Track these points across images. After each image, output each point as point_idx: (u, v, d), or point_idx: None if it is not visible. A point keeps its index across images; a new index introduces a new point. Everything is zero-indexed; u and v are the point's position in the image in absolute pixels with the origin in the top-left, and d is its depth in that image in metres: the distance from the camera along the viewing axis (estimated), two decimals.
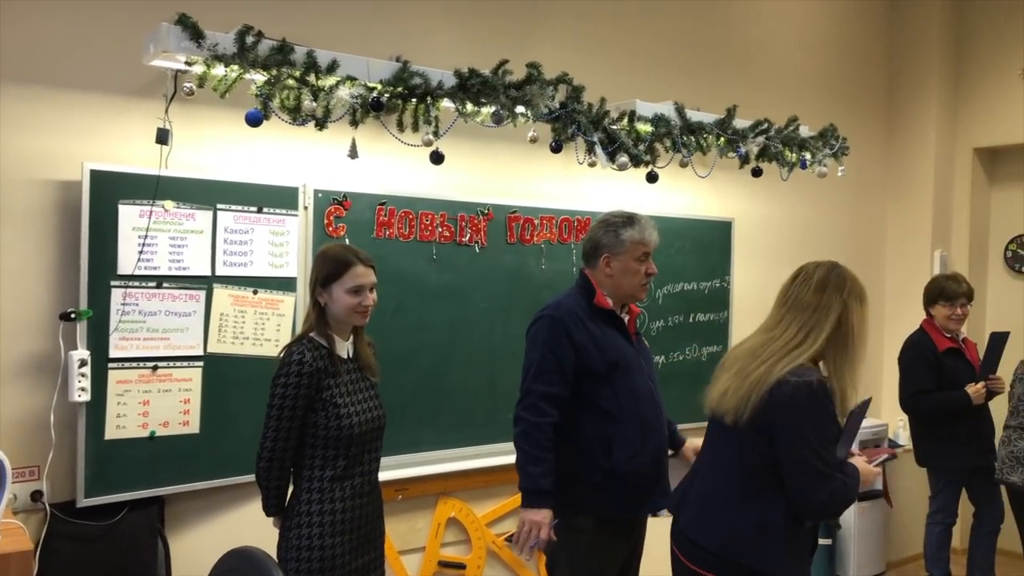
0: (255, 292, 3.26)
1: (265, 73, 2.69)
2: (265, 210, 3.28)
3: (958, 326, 4.42)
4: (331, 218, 3.44)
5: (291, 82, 2.72)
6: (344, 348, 2.63)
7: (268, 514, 2.62)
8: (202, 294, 3.15)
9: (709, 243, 4.63)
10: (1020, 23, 5.29)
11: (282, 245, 3.33)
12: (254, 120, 2.70)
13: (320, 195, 3.41)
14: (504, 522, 3.98)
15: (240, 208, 3.23)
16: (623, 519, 2.90)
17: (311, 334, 2.58)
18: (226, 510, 3.27)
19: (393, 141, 3.05)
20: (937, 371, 4.34)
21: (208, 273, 3.16)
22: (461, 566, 3.84)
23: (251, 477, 3.17)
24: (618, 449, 2.80)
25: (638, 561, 3.03)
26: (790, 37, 5.14)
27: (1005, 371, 4.40)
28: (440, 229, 3.70)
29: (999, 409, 4.50)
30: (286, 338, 3.29)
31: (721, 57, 4.79)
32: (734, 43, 4.87)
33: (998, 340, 4.42)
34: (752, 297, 4.88)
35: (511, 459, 3.87)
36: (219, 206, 3.18)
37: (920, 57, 5.53)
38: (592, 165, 3.36)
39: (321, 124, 2.79)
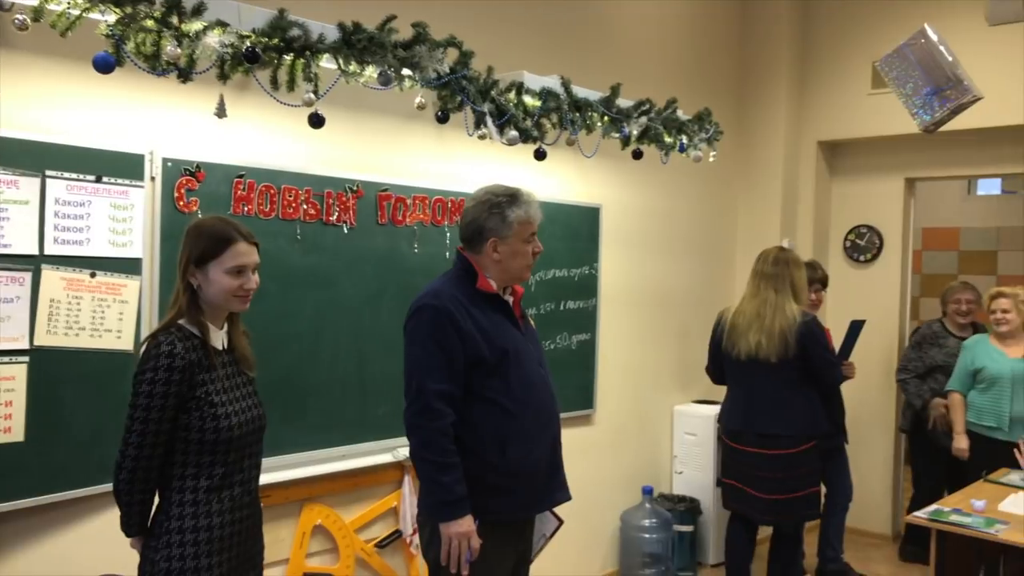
0: (93, 275, 2.81)
1: (118, 10, 2.26)
2: (105, 179, 2.83)
3: (814, 312, 4.53)
4: (182, 191, 3.01)
5: (150, 23, 2.29)
6: (219, 338, 2.26)
7: (129, 534, 2.20)
8: (28, 276, 2.66)
9: (578, 229, 4.49)
10: (862, 22, 5.52)
11: (125, 221, 2.89)
12: (104, 64, 2.25)
13: (170, 164, 2.98)
14: (374, 527, 3.68)
15: (75, 176, 2.76)
16: (517, 520, 2.71)
17: (180, 321, 2.19)
18: (60, 530, 2.78)
19: (253, 106, 2.69)
20: None
21: (35, 252, 2.68)
22: None
23: (89, 490, 2.78)
24: (513, 446, 2.59)
25: (528, 561, 2.84)
26: (648, 25, 5.09)
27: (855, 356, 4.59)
28: (305, 206, 3.34)
29: (849, 395, 4.71)
30: (129, 328, 2.87)
31: (582, 35, 4.64)
32: (592, 22, 4.74)
33: (856, 327, 4.57)
34: (619, 284, 4.81)
35: (382, 459, 3.64)
36: (49, 173, 2.70)
37: (770, 53, 5.66)
38: (483, 138, 3.10)
39: (185, 76, 2.38)
